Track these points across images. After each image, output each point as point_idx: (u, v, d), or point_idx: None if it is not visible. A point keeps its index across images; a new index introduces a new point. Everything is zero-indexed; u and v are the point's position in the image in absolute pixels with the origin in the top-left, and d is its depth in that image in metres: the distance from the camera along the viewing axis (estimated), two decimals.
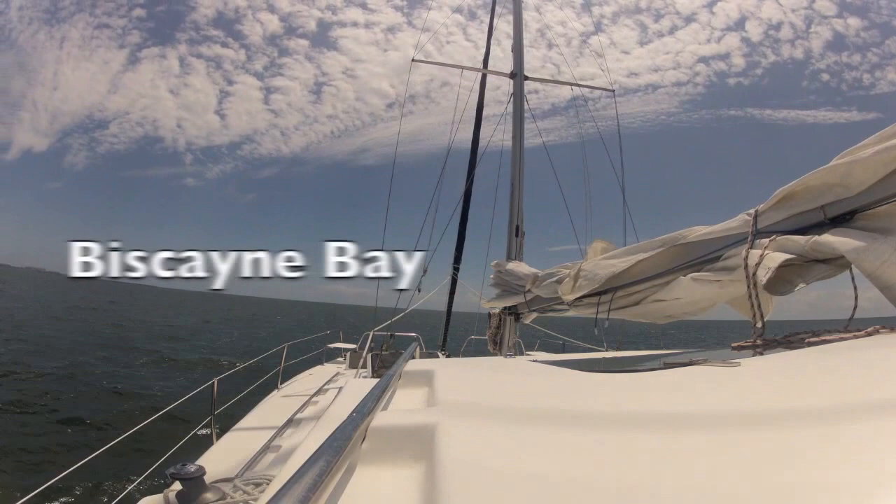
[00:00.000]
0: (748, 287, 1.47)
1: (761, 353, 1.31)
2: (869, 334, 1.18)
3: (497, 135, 7.97)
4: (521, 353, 6.00)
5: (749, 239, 1.62)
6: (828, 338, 1.22)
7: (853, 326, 1.27)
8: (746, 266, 1.49)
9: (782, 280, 1.46)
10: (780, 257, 1.41)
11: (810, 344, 1.22)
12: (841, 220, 1.48)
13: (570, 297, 2.92)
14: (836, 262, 1.41)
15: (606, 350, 5.89)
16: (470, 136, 8.43)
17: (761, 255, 1.44)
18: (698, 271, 1.94)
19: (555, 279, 3.30)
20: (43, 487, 2.31)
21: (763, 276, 1.40)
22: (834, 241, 1.34)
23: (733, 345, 1.48)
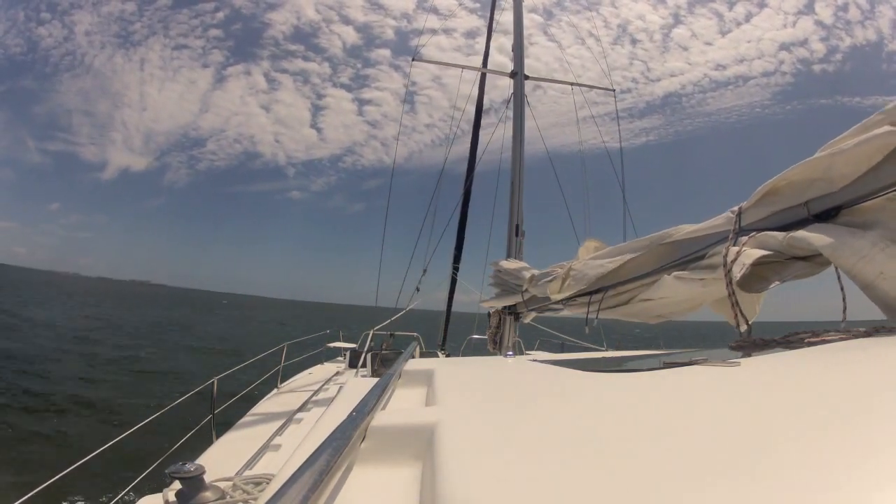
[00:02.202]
0: (726, 285, 1.45)
1: (761, 353, 1.29)
2: (869, 334, 1.16)
3: (498, 133, 7.96)
4: (521, 353, 5.98)
5: (731, 236, 1.58)
6: (828, 337, 1.19)
7: (853, 327, 1.25)
8: (726, 263, 1.47)
9: (759, 277, 1.43)
10: (757, 254, 1.37)
11: (810, 344, 1.19)
12: (825, 216, 1.43)
13: (558, 297, 2.91)
14: (815, 260, 1.37)
15: (606, 350, 5.87)
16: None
17: (738, 252, 1.42)
18: (683, 270, 1.92)
19: (549, 279, 3.29)
20: (42, 487, 2.33)
21: (738, 272, 1.37)
22: (810, 236, 1.30)
23: (731, 344, 1.45)
